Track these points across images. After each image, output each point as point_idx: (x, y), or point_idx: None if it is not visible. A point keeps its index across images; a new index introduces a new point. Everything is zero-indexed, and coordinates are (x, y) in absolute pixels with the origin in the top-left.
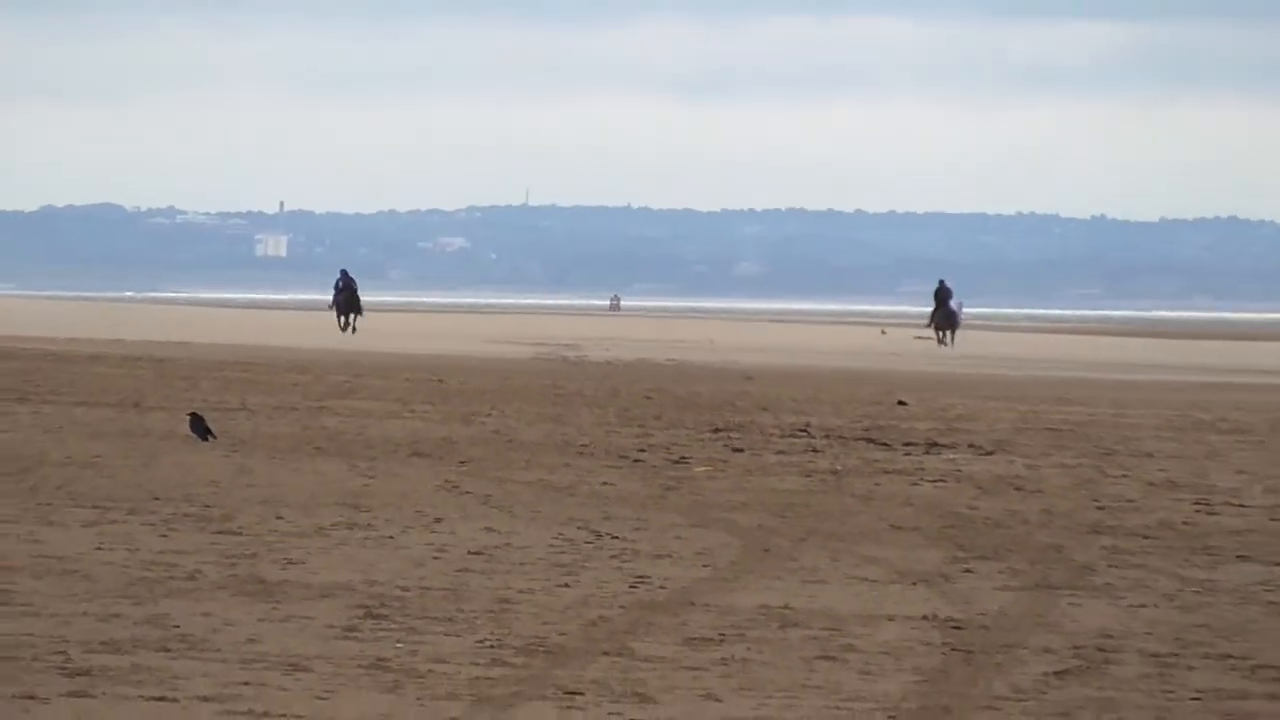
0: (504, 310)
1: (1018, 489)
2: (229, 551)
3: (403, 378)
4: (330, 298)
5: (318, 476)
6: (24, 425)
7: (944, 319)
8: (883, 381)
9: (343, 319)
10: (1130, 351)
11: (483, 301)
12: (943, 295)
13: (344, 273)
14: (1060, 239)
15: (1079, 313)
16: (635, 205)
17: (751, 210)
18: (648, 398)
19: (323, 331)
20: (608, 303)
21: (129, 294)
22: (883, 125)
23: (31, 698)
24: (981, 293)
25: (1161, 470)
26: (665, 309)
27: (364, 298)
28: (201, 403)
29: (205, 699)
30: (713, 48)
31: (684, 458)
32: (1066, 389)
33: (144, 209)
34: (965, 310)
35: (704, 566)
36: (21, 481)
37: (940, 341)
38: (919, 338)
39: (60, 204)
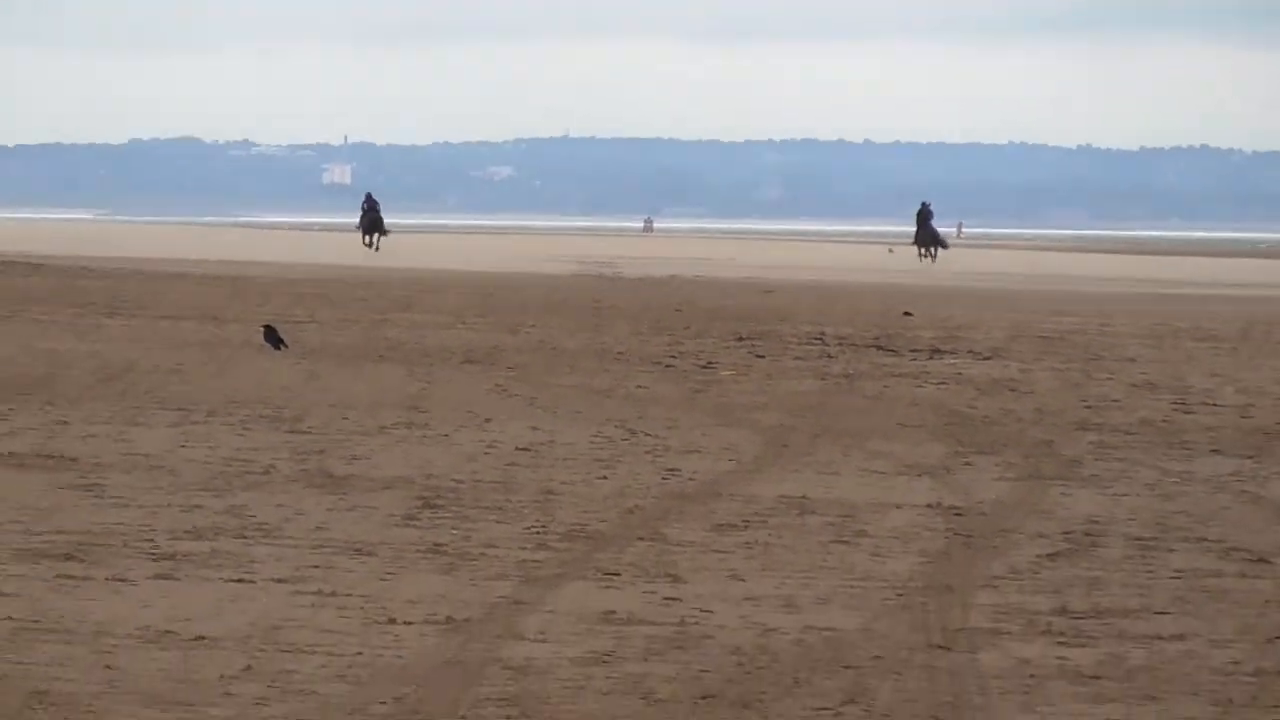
0: (547, 232)
1: (1012, 390)
2: (300, 448)
3: (456, 293)
4: (357, 219)
5: (379, 381)
6: (114, 337)
7: (926, 238)
8: (890, 294)
9: (367, 238)
10: (1112, 267)
11: (528, 224)
12: (924, 216)
13: (369, 196)
14: (1048, 166)
15: (1065, 232)
16: (665, 137)
17: (770, 140)
18: (678, 310)
19: (384, 252)
20: (641, 225)
21: (209, 219)
22: (887, 65)
23: (123, 580)
24: (977, 215)
25: (1143, 373)
26: (693, 230)
27: (420, 222)
28: (274, 316)
29: (279, 580)
30: None
31: (711, 363)
32: (1056, 301)
33: (221, 142)
34: (965, 230)
35: (729, 460)
36: (112, 387)
37: (922, 257)
38: (923, 255)
39: (146, 138)
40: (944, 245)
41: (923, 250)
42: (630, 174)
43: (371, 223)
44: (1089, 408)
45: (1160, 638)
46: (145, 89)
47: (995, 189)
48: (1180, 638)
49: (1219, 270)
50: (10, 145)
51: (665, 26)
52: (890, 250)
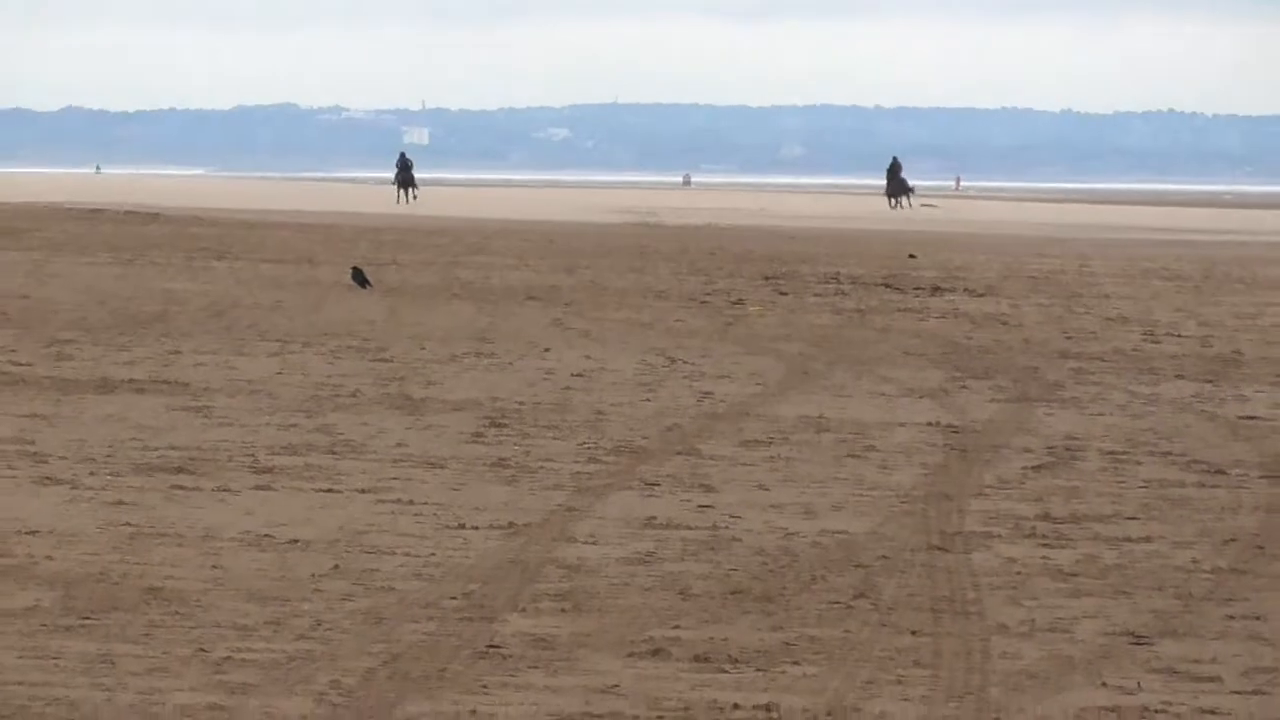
0: (599, 186)
1: (1003, 323)
2: (382, 375)
3: (520, 239)
4: (393, 175)
5: (452, 316)
6: (221, 278)
7: (896, 188)
8: (897, 240)
9: (401, 193)
10: (1090, 216)
11: (582, 179)
12: (894, 169)
13: (402, 155)
14: (1035, 128)
15: (1049, 185)
16: (700, 103)
17: (793, 105)
18: (711, 254)
19: (457, 201)
20: (680, 179)
21: (304, 175)
22: (893, 39)
23: (227, 490)
24: (972, 171)
25: (1116, 308)
26: (726, 184)
27: (488, 177)
28: (361, 259)
29: (363, 491)
30: None
31: (740, 300)
32: (1041, 246)
33: (315, 107)
34: (963, 183)
35: (756, 385)
36: (219, 321)
37: (893, 206)
38: (925, 205)
39: (250, 104)
40: (912, 192)
41: (893, 200)
42: (670, 135)
43: (405, 180)
44: (1069, 338)
45: (1130, 540)
46: (249, 61)
47: (988, 148)
48: (1147, 540)
49: (1183, 219)
50: (131, 110)
51: (698, 6)
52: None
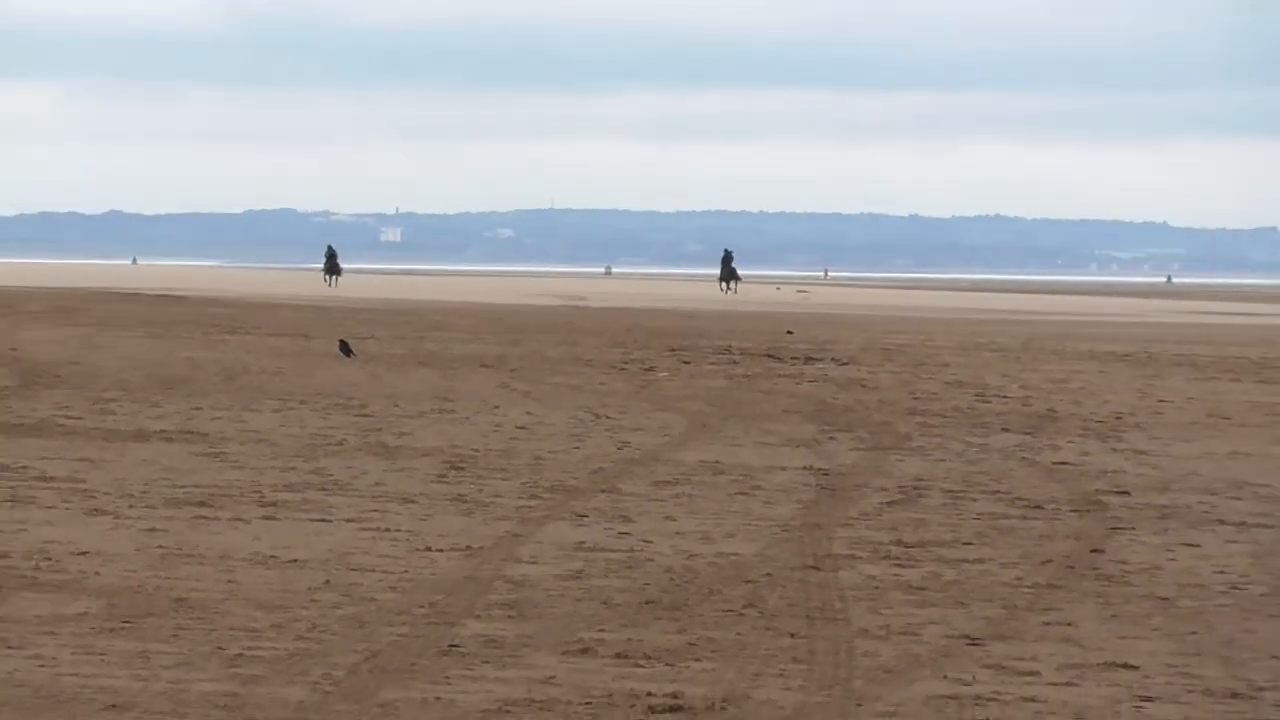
0: (537, 275)
1: (863, 386)
2: (364, 427)
3: (474, 318)
4: (322, 264)
5: (420, 380)
6: (234, 348)
7: (727, 274)
8: (776, 319)
9: (327, 278)
10: (932, 300)
11: (524, 269)
12: (726, 259)
13: (330, 247)
14: (887, 229)
15: (900, 275)
16: (620, 208)
17: (694, 210)
18: (628, 330)
19: (423, 287)
20: (603, 270)
21: (301, 266)
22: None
23: (239, 519)
24: (835, 263)
25: (954, 374)
26: (640, 274)
27: (447, 268)
28: (346, 333)
29: (349, 520)
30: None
31: (651, 367)
32: (893, 324)
33: (309, 211)
34: (830, 273)
35: (664, 436)
36: (232, 384)
37: (723, 290)
38: (799, 291)
39: (256, 209)
40: (738, 279)
41: (723, 285)
42: (596, 234)
43: (330, 268)
44: (916, 399)
45: (966, 561)
46: (255, 174)
47: (850, 245)
48: (980, 561)
49: (1008, 302)
50: (162, 214)
51: (619, 130)
52: (778, 289)
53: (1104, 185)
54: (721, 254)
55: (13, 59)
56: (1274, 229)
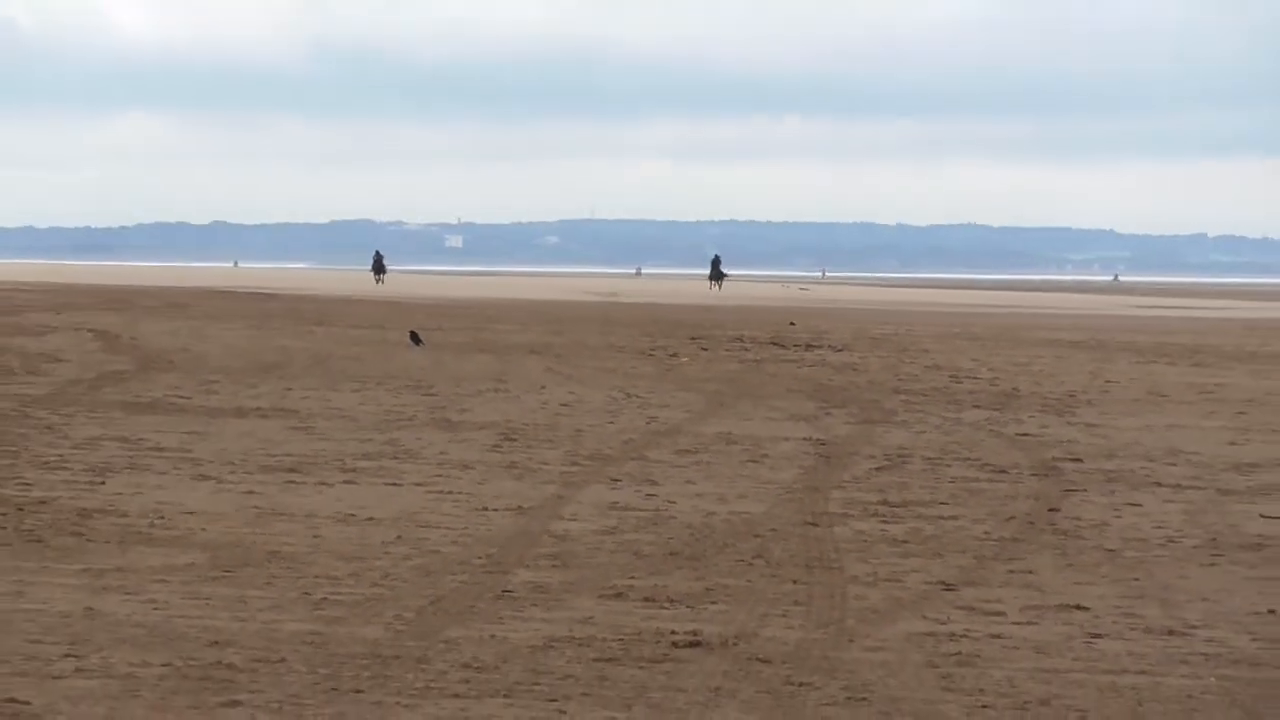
0: (578, 276)
1: (854, 370)
2: (431, 405)
3: (524, 311)
4: (370, 264)
5: (479, 364)
6: (320, 338)
7: (715, 275)
8: (781, 312)
9: (376, 277)
10: (916, 296)
11: (567, 270)
12: (715, 262)
13: (377, 251)
14: (876, 235)
15: (887, 275)
16: (650, 218)
17: (713, 220)
18: (655, 321)
19: (482, 286)
20: (635, 271)
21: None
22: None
23: (324, 484)
24: (831, 265)
25: (932, 359)
26: (667, 274)
27: (503, 269)
28: (416, 325)
29: (417, 484)
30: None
31: (675, 353)
32: (881, 317)
33: (384, 221)
34: (826, 274)
35: (686, 411)
36: (318, 368)
37: (710, 289)
38: (801, 289)
39: (339, 219)
40: (725, 278)
41: (712, 283)
42: (629, 240)
43: (377, 268)
44: (900, 380)
45: (942, 518)
46: (338, 188)
47: (844, 249)
48: (954, 518)
49: (979, 298)
50: (259, 223)
51: (652, 150)
52: (784, 285)
53: (1061, 198)
54: (712, 258)
55: (122, 90)
56: (1205, 235)
